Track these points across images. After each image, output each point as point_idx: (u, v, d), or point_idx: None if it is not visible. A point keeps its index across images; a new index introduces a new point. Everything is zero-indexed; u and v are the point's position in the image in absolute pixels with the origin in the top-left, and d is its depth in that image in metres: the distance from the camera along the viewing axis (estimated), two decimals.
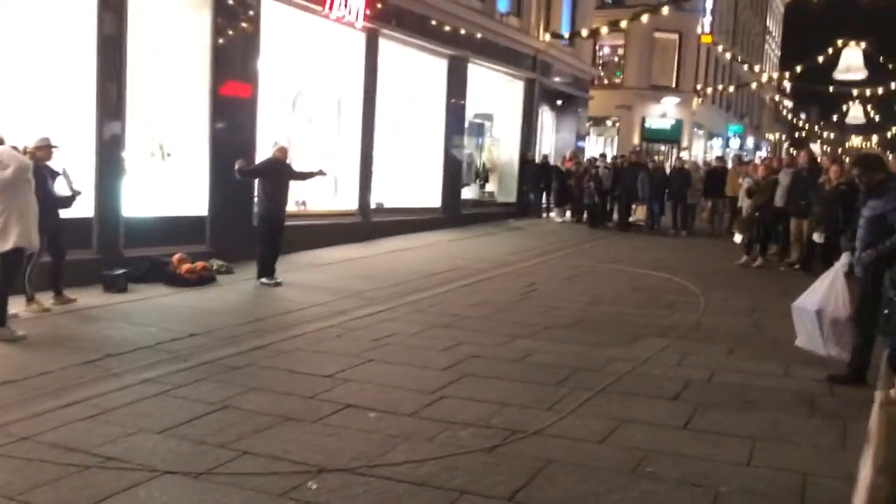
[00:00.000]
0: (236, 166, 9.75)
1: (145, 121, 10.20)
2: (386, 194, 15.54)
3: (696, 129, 41.38)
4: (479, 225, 17.94)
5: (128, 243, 9.81)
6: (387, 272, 11.08)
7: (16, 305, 7.53)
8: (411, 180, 16.69)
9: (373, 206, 14.87)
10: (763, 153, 53.35)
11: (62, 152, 8.03)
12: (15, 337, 6.63)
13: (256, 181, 10.35)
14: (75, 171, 8.60)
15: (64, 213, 8.21)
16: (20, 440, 4.54)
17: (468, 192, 19.13)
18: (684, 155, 35.51)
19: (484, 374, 6.16)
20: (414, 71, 16.42)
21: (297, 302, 8.81)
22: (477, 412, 5.23)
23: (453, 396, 5.56)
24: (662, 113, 38.62)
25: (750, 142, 55.42)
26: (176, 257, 9.72)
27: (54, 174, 7.84)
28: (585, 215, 19.38)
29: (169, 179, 10.68)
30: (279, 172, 9.93)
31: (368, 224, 14.57)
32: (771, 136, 66.75)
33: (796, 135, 64.61)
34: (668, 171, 20.00)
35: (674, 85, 38.68)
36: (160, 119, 10.50)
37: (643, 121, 38.40)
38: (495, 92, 20.18)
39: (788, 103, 56.92)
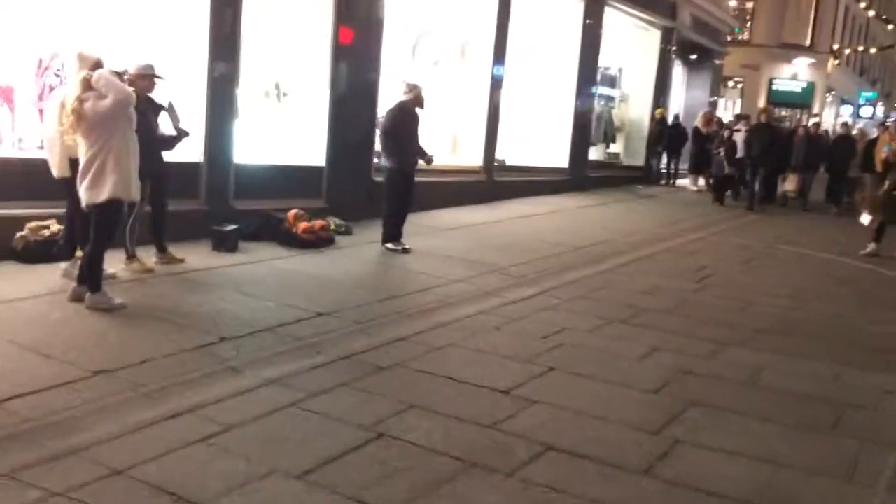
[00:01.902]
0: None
1: (261, 57, 8.84)
2: (509, 151, 13.88)
3: (827, 95, 37.86)
4: (605, 189, 16.09)
5: (238, 194, 8.56)
6: (524, 242, 9.52)
7: (114, 264, 6.36)
8: (537, 136, 14.95)
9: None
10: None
11: (166, 85, 6.74)
12: (113, 306, 5.42)
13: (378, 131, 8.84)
14: (182, 107, 7.37)
15: (168, 156, 6.97)
16: (112, 475, 3.24)
17: (593, 153, 17.24)
18: (811, 120, 32.41)
19: (714, 403, 4.56)
20: (547, 14, 14.55)
21: (433, 276, 7.37)
22: (737, 476, 3.65)
23: (689, 442, 3.98)
24: (793, 74, 35.33)
25: (880, 111, 50.87)
26: (291, 213, 8.41)
27: (157, 108, 6.56)
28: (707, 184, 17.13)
29: (284, 124, 9.35)
30: (411, 121, 8.41)
31: (492, 184, 13.00)
32: None
33: None
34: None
35: (807, 44, 35.25)
36: (277, 56, 9.12)
37: (770, 83, 35.27)
38: (628, 42, 18.09)
39: None
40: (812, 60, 34.93)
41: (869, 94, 45.04)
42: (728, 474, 3.63)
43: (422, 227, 9.79)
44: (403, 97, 8.37)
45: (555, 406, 4.32)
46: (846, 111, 42.21)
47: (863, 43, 39.19)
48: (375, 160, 10.01)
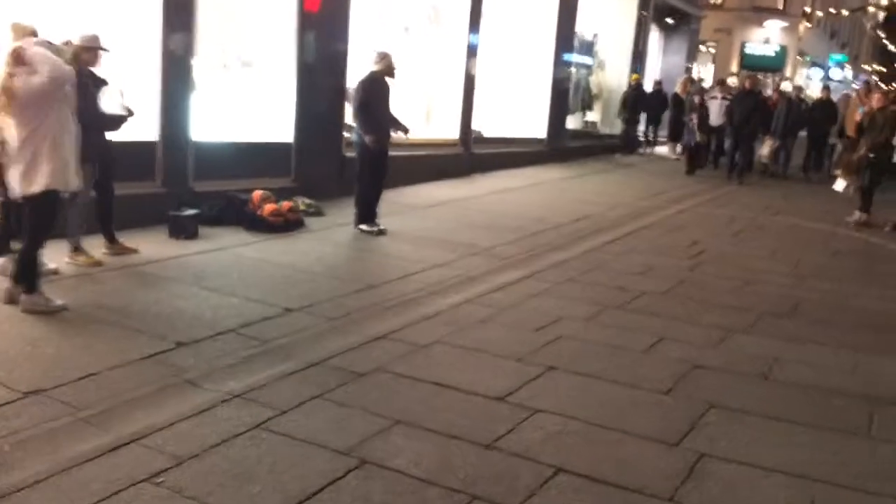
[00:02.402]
0: None
1: (219, 25, 8.13)
2: (486, 122, 13.27)
3: (798, 58, 37.59)
4: (584, 159, 15.58)
5: (198, 174, 7.90)
6: (506, 219, 8.99)
7: (58, 258, 5.72)
8: (514, 106, 14.36)
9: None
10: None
11: (113, 58, 6.05)
12: (51, 308, 4.81)
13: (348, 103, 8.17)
14: (132, 82, 6.71)
15: (117, 136, 6.30)
16: None
17: (571, 122, 16.68)
18: (785, 85, 32.15)
19: (733, 404, 4.09)
20: None
21: (412, 260, 6.82)
22: (777, 499, 3.18)
23: (715, 456, 3.50)
24: (765, 38, 34.95)
25: (849, 73, 50.88)
26: (257, 194, 7.78)
27: (100, 84, 5.87)
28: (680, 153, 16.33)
29: (247, 98, 8.66)
30: (384, 91, 7.79)
31: (469, 157, 12.42)
32: (867, 68, 61.59)
33: None
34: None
35: (780, 6, 34.88)
36: (237, 24, 8.40)
37: (742, 47, 34.87)
38: (604, 6, 17.45)
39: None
40: (784, 24, 34.57)
41: (839, 57, 44.95)
42: (767, 498, 3.17)
43: (397, 205, 9.21)
44: (374, 67, 7.73)
45: (559, 415, 3.82)
46: (816, 74, 42.11)
47: (833, 5, 38.88)
48: (346, 134, 9.38)
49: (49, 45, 4.85)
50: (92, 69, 5.84)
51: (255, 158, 8.54)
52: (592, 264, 7.12)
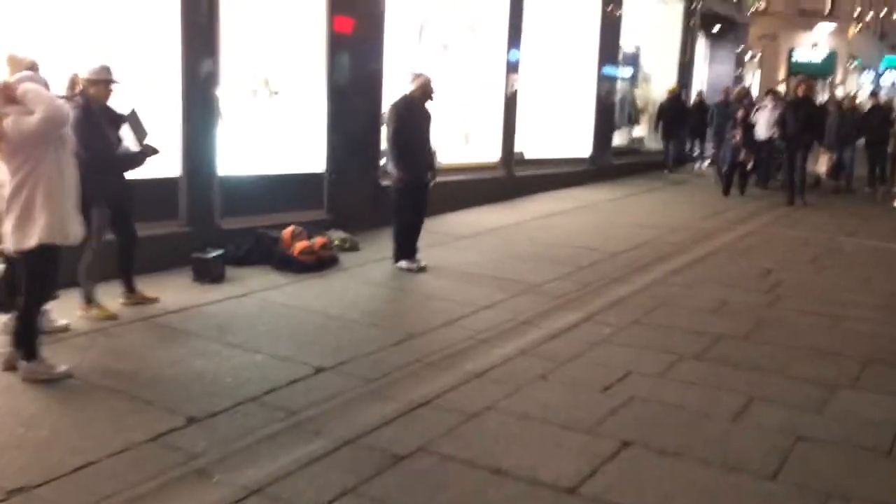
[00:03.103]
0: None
1: (245, 50, 7.63)
2: (527, 142, 12.59)
3: (848, 62, 36.26)
4: (631, 178, 14.78)
5: (226, 211, 7.37)
6: (555, 248, 8.30)
7: (68, 310, 5.21)
8: (556, 124, 13.65)
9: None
10: None
11: (128, 89, 5.56)
12: (53, 375, 4.26)
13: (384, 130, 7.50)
14: (149, 115, 6.20)
15: (136, 173, 5.80)
16: None
17: (616, 138, 15.90)
18: (839, 91, 30.92)
19: (859, 494, 3.34)
20: None
21: (457, 302, 6.17)
22: None
23: None
24: (814, 43, 33.74)
25: None
26: (288, 231, 7.22)
27: (118, 119, 5.37)
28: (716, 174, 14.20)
29: (276, 127, 8.14)
30: (419, 116, 7.17)
31: (511, 179, 11.75)
32: None
33: None
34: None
35: (827, 10, 33.67)
36: (264, 49, 7.89)
37: (790, 53, 33.71)
38: (648, 16, 16.70)
39: None
40: (832, 27, 33.36)
41: (892, 59, 43.31)
42: None
43: (436, 235, 8.58)
44: (409, 89, 7.13)
45: None
46: (868, 78, 40.62)
47: (881, 6, 37.51)
48: (382, 161, 8.80)
49: (44, 83, 4.32)
50: (107, 104, 5.35)
51: (286, 191, 7.99)
52: (657, 301, 6.39)
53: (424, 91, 7.07)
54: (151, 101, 6.64)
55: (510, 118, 11.64)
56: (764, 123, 13.32)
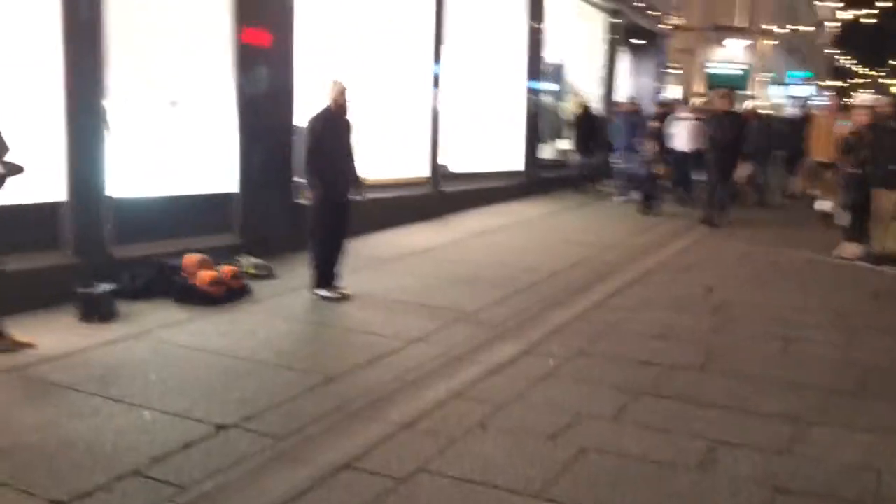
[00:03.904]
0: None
1: (140, 54, 6.86)
2: (456, 156, 12.06)
3: (761, 76, 37.35)
4: (560, 191, 14.40)
5: (120, 238, 6.54)
6: (489, 269, 7.77)
7: None
8: (485, 138, 13.21)
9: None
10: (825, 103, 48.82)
11: None
12: None
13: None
14: (29, 127, 5.44)
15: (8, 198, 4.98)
16: None
17: (543, 152, 15.51)
18: (748, 104, 31.75)
19: None
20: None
21: (382, 335, 5.54)
22: None
23: None
24: (728, 57, 34.68)
25: (811, 90, 51.09)
26: (190, 259, 6.44)
27: None
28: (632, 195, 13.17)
29: (178, 142, 7.36)
30: (338, 128, 6.53)
31: (440, 195, 11.20)
32: (821, 84, 62.27)
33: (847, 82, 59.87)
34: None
35: (739, 24, 34.68)
36: (163, 55, 7.11)
37: (706, 67, 34.52)
38: (572, 29, 16.50)
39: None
40: (746, 42, 34.35)
41: (803, 73, 45.00)
42: None
43: (361, 257, 7.91)
44: (327, 100, 6.49)
45: None
46: (778, 91, 42.03)
47: (791, 22, 38.88)
48: (296, 178, 8.08)
49: None
50: None
51: (191, 213, 7.20)
52: (601, 327, 5.90)
53: (338, 100, 6.42)
54: (27, 112, 5.84)
55: (435, 130, 11.10)
56: (685, 135, 12.90)
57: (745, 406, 4.38)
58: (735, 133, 11.23)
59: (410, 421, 4.08)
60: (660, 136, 12.51)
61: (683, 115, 13.69)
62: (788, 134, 14.54)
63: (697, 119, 13.08)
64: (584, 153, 14.74)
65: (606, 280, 7.50)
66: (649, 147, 12.06)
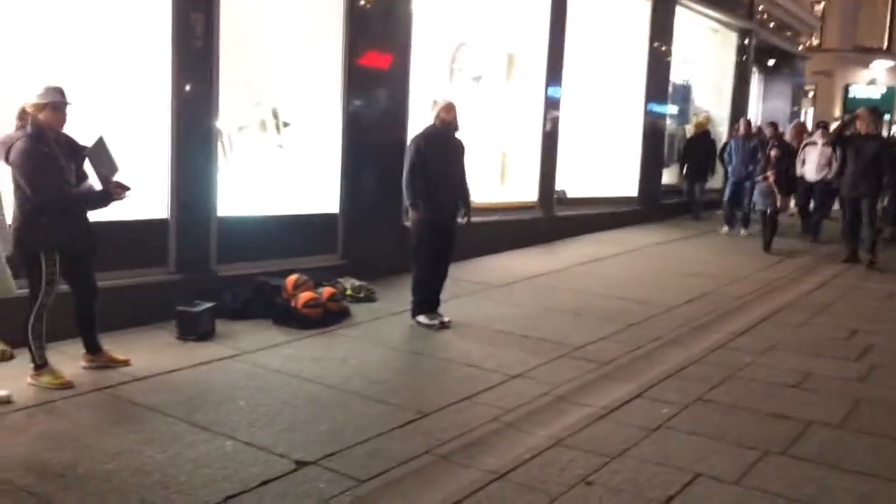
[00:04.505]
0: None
1: (249, 78, 6.87)
2: (568, 180, 11.60)
3: None
4: (680, 218, 13.61)
5: (223, 256, 6.52)
6: (599, 299, 7.27)
7: (16, 379, 4.36)
8: (600, 162, 12.67)
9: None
10: None
11: (94, 114, 4.79)
12: None
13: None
14: (138, 148, 5.47)
15: (112, 214, 5.00)
16: None
17: (665, 177, 14.74)
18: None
19: None
20: (608, 17, 12.34)
21: (482, 368, 5.18)
22: None
23: None
24: (871, 80, 32.37)
25: None
26: (290, 280, 6.33)
27: (76, 151, 4.55)
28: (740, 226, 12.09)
29: (285, 162, 7.33)
30: (445, 147, 6.25)
31: (551, 220, 10.77)
32: None
33: None
34: None
35: (884, 45, 32.36)
36: (271, 77, 7.10)
37: (846, 89, 32.36)
38: (701, 48, 15.71)
39: None
40: (891, 63, 31.97)
41: None
42: None
43: (465, 283, 7.64)
44: (431, 118, 6.23)
45: None
46: None
47: None
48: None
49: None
50: (67, 134, 4.55)
51: (295, 233, 7.11)
52: (724, 371, 5.30)
53: (445, 118, 6.14)
54: (137, 133, 5.90)
55: (549, 155, 10.68)
56: (815, 161, 11.42)
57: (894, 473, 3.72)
58: (874, 158, 9.47)
59: (504, 470, 3.68)
60: (779, 165, 10.44)
61: (813, 138, 12.06)
62: None
63: (825, 145, 11.39)
64: (699, 179, 13.64)
65: (731, 318, 6.82)
66: (769, 176, 10.35)
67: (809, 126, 16.59)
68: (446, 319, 6.20)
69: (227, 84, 6.36)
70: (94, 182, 4.64)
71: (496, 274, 8.26)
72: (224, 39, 6.26)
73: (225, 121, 6.50)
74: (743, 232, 12.00)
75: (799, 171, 11.42)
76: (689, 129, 14.87)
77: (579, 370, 5.22)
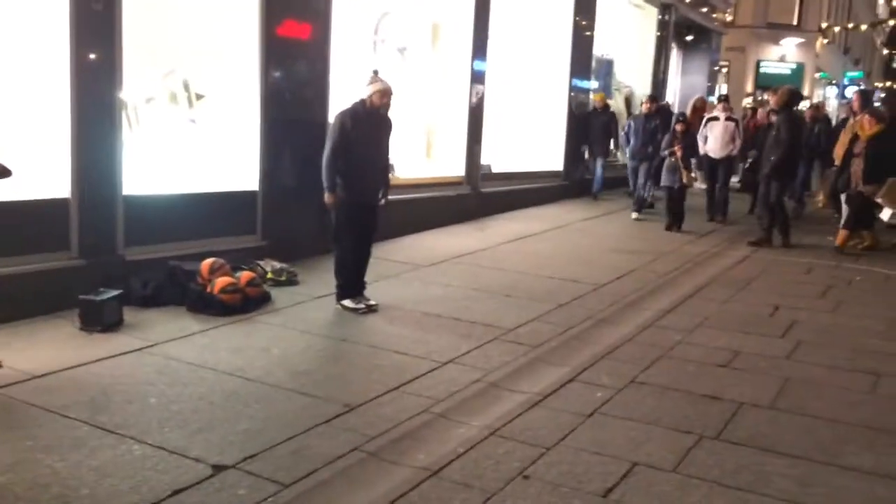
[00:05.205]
0: None
1: (157, 47, 6.38)
2: (494, 155, 11.44)
3: (815, 76, 35.99)
4: (605, 193, 13.62)
5: (131, 239, 6.08)
6: (529, 278, 7.16)
7: None
8: (526, 137, 12.56)
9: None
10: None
11: None
12: None
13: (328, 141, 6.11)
14: (33, 120, 5.01)
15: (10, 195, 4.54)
16: None
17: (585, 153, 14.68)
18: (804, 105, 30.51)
19: None
20: None
21: (411, 355, 4.97)
22: None
23: None
24: (781, 56, 33.44)
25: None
26: (206, 264, 5.96)
27: None
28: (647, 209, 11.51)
29: (199, 137, 6.88)
30: (373, 126, 5.94)
31: (478, 197, 10.61)
32: (879, 85, 60.06)
33: None
34: None
35: (795, 22, 33.42)
36: (182, 45, 6.62)
37: (757, 65, 33.33)
38: (620, 26, 15.72)
39: None
40: (800, 40, 33.05)
41: (854, 74, 43.34)
42: None
43: (391, 263, 7.41)
44: (364, 94, 5.88)
45: None
46: (832, 92, 40.63)
47: (847, 20, 37.42)
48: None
49: None
50: None
51: (210, 213, 6.72)
52: (656, 351, 5.25)
53: (377, 102, 5.80)
54: (33, 105, 5.40)
55: (476, 129, 10.50)
56: (719, 137, 11.08)
57: (833, 459, 3.71)
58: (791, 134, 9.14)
59: (438, 466, 3.50)
60: (685, 140, 10.07)
61: (717, 113, 11.44)
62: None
63: (728, 119, 11.23)
64: (599, 155, 12.85)
65: (659, 295, 6.82)
66: (676, 151, 9.94)
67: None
68: (372, 303, 5.96)
69: (132, 52, 5.89)
70: None
71: (423, 253, 8.05)
72: (128, 3, 5.77)
73: (130, 92, 6.03)
74: (634, 215, 11.15)
75: (702, 148, 11.00)
76: (613, 106, 14.83)
77: (512, 354, 5.08)
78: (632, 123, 11.81)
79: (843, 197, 9.20)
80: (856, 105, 9.89)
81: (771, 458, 3.69)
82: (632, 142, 11.57)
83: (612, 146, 13.09)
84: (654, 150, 11.02)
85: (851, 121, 9.57)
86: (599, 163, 13.00)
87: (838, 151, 9.31)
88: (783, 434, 3.98)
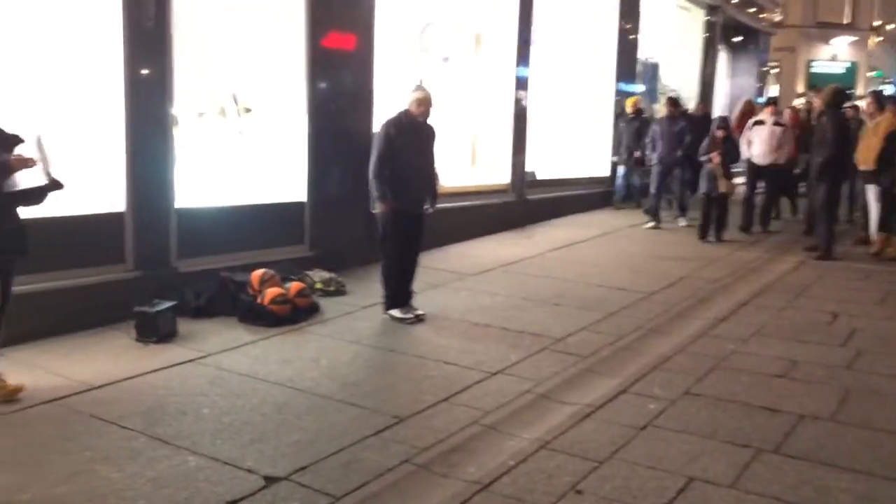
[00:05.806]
0: None
1: (207, 61, 6.49)
2: (539, 162, 11.36)
3: (868, 75, 35.03)
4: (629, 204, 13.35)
5: (184, 251, 6.19)
6: (578, 287, 7.08)
7: None
8: (571, 143, 12.47)
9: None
10: None
11: (41, 102, 4.42)
12: None
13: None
14: (92, 136, 5.12)
15: (56, 208, 4.66)
16: None
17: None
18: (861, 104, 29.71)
19: None
20: None
21: (459, 365, 4.95)
22: None
23: None
24: (832, 55, 32.65)
25: None
26: (256, 275, 6.03)
27: (9, 144, 4.18)
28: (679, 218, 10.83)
29: (248, 149, 6.98)
30: (416, 135, 5.95)
31: (523, 204, 10.55)
32: None
33: None
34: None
35: (846, 21, 32.61)
36: (231, 60, 6.72)
37: (808, 65, 32.59)
38: (668, 27, 15.54)
39: None
40: (852, 39, 32.24)
41: None
42: None
43: (437, 272, 7.41)
44: (406, 104, 5.92)
45: None
46: (889, 90, 39.47)
47: None
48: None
49: None
50: None
51: (260, 225, 6.80)
52: (709, 361, 5.14)
53: (414, 111, 5.83)
54: (88, 122, 5.54)
55: (520, 136, 10.45)
56: (765, 141, 10.08)
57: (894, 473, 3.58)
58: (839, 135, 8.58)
59: (488, 479, 3.47)
60: (725, 146, 9.39)
61: (763, 117, 10.38)
62: None
63: (776, 124, 10.18)
64: (635, 165, 12.07)
65: (710, 303, 6.68)
66: (714, 157, 9.33)
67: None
68: (420, 313, 5.96)
69: (183, 67, 6.01)
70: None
71: (470, 262, 8.03)
72: (177, 19, 5.90)
73: (181, 106, 6.14)
74: (683, 223, 10.67)
75: (745, 153, 10.26)
76: (658, 109, 14.58)
77: (561, 364, 5.02)
78: (657, 128, 11.02)
79: (870, 198, 8.88)
80: (871, 107, 9.35)
81: (832, 473, 3.57)
82: (658, 147, 10.67)
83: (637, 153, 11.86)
84: (683, 155, 10.45)
85: (869, 123, 9.15)
86: (622, 171, 12.38)
87: (865, 155, 8.79)
88: (845, 448, 3.85)
